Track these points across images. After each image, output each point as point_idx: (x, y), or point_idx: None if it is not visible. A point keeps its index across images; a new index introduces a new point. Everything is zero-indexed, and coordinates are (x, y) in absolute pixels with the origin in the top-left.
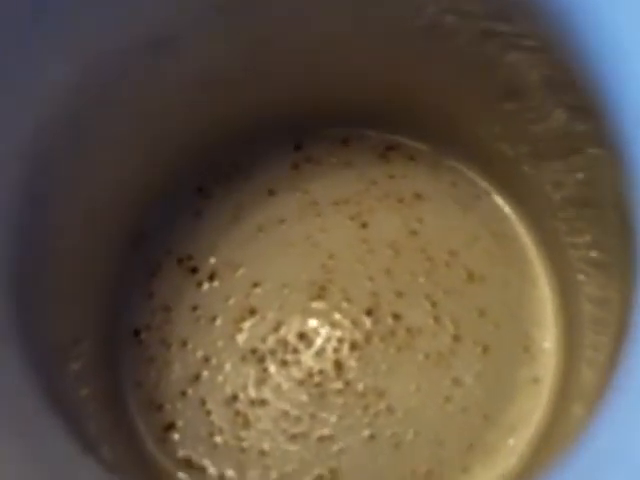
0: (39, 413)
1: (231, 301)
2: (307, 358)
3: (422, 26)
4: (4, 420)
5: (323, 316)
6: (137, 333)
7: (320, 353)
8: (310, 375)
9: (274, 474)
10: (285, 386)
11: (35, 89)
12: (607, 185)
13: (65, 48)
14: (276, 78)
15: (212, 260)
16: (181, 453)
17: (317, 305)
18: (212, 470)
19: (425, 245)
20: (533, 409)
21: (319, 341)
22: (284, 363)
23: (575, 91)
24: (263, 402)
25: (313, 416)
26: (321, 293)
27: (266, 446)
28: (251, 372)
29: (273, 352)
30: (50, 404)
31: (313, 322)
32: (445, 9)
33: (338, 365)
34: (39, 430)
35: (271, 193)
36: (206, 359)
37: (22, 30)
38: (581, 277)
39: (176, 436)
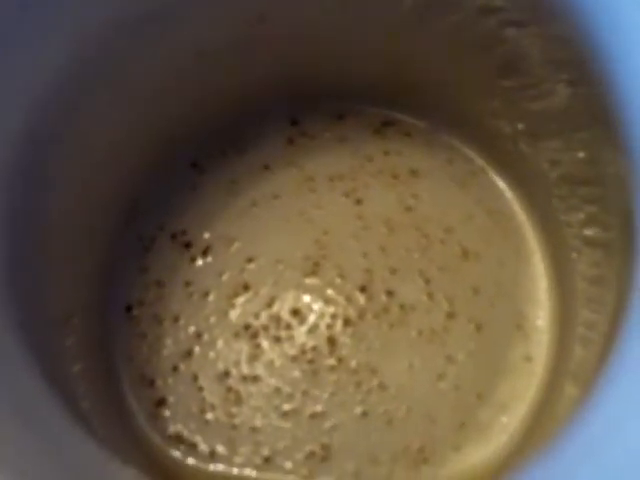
0: (35, 389)
1: (225, 276)
2: (300, 334)
3: (418, 2)
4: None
5: (317, 292)
6: (129, 309)
7: (313, 329)
8: (303, 351)
9: (265, 450)
10: (278, 362)
11: (27, 69)
12: (607, 164)
13: (54, 25)
14: (272, 52)
15: (206, 235)
16: (172, 429)
17: (311, 281)
18: (203, 446)
19: (420, 222)
20: (526, 387)
21: (312, 317)
22: (277, 339)
23: (577, 67)
24: (255, 378)
25: (305, 393)
26: (315, 269)
27: (258, 422)
28: (244, 348)
29: (266, 328)
30: (45, 379)
31: (307, 298)
32: None
33: (331, 341)
34: (36, 406)
35: (266, 168)
36: (198, 335)
37: (8, 14)
38: (576, 255)
39: (167, 412)
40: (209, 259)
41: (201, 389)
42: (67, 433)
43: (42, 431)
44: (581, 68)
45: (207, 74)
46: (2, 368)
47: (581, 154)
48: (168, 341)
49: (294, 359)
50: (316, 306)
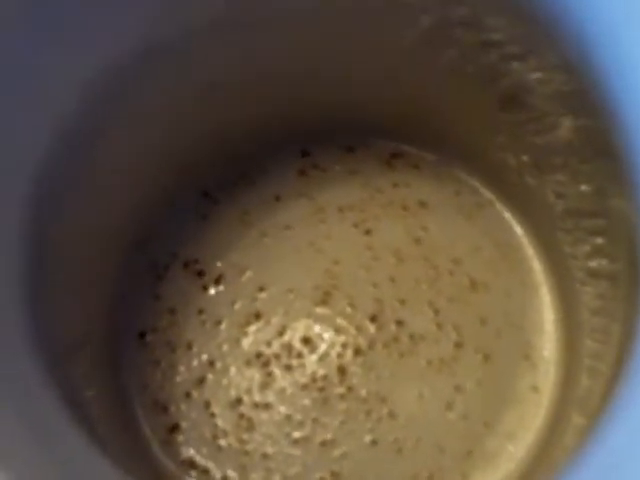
0: (50, 411)
1: (237, 305)
2: (311, 363)
3: (418, 37)
4: (17, 418)
5: (327, 321)
6: (143, 335)
7: (324, 358)
8: (314, 380)
9: (277, 477)
10: (289, 390)
11: (44, 102)
12: (611, 196)
13: (69, 58)
14: (284, 86)
15: (218, 264)
16: (185, 454)
17: (321, 310)
18: (215, 472)
19: (429, 253)
20: (533, 417)
21: (323, 346)
22: (288, 367)
23: (580, 100)
24: (267, 406)
25: (316, 420)
26: (325, 298)
27: (269, 449)
28: (255, 376)
29: (277, 356)
30: (59, 403)
31: (317, 327)
32: (440, 20)
33: (341, 370)
34: (51, 429)
35: (277, 199)
36: (211, 362)
37: (21, 50)
38: (581, 287)
39: (180, 437)
40: (221, 288)
41: (213, 415)
42: (82, 453)
43: (58, 451)
44: (583, 100)
45: (220, 106)
46: (18, 388)
47: (585, 187)
48: (181, 368)
49: (305, 387)
50: (327, 335)
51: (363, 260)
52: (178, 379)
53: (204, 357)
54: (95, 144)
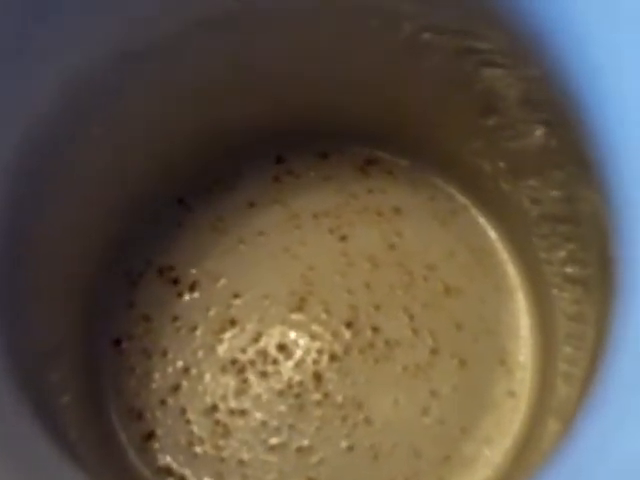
0: (21, 419)
1: (211, 312)
2: (287, 369)
3: (401, 42)
4: None
5: (303, 328)
6: (118, 342)
7: (299, 364)
8: (290, 386)
9: None
10: (265, 397)
11: (21, 100)
12: (582, 202)
13: (52, 56)
14: (259, 92)
15: (193, 271)
16: (161, 462)
17: (297, 317)
18: (192, 479)
19: (403, 259)
20: (509, 422)
21: (299, 352)
22: (264, 374)
23: (553, 108)
24: (243, 412)
25: (292, 427)
26: (301, 305)
27: (245, 456)
28: (231, 382)
29: (253, 363)
30: (31, 410)
31: (293, 333)
32: (422, 26)
33: (317, 376)
34: (21, 437)
35: (251, 205)
36: (186, 369)
37: (6, 44)
38: (556, 292)
39: (156, 445)
40: (196, 294)
41: (189, 422)
42: (54, 463)
43: (28, 462)
44: (556, 109)
45: (190, 112)
46: None
47: (558, 193)
48: (157, 375)
49: (281, 393)
50: (302, 341)
51: (338, 266)
52: (153, 386)
53: (179, 364)
54: (72, 148)
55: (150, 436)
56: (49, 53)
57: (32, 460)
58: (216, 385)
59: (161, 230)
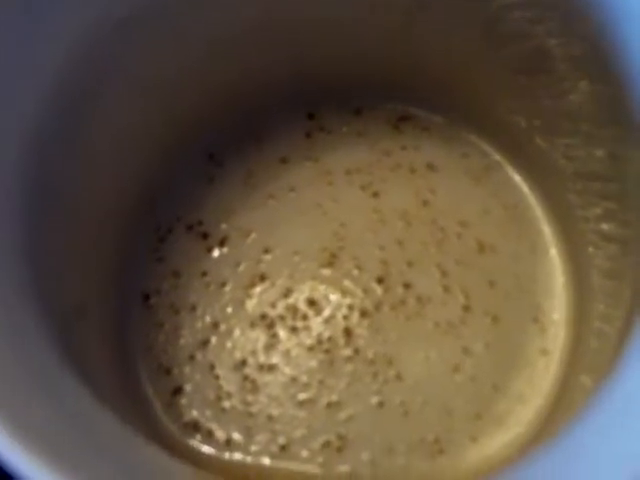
0: (54, 368)
1: (241, 267)
2: (317, 325)
3: None
4: (22, 368)
5: (333, 283)
6: (147, 298)
7: (330, 320)
8: (319, 342)
9: (282, 439)
10: (294, 352)
11: (39, 56)
12: (628, 162)
13: (62, 17)
14: (290, 45)
15: (223, 226)
16: (188, 417)
17: (327, 272)
18: (219, 434)
19: (436, 216)
20: (542, 379)
21: (329, 308)
22: (293, 329)
23: (597, 65)
24: (272, 368)
25: (322, 382)
26: (332, 260)
27: (274, 411)
28: (260, 338)
29: (282, 318)
30: (63, 362)
31: (323, 289)
32: None
33: (348, 332)
34: (56, 382)
35: (283, 161)
36: (215, 324)
37: (11, 13)
38: (592, 249)
39: (184, 400)
40: (225, 250)
41: (217, 378)
42: (88, 407)
43: (64, 403)
44: (602, 66)
45: (220, 64)
46: (21, 346)
47: (600, 151)
48: (185, 331)
49: (310, 349)
50: (333, 297)
51: (370, 223)
52: (182, 342)
53: (208, 319)
54: (95, 107)
55: (178, 391)
56: (57, 14)
57: (69, 404)
58: (245, 340)
59: (191, 185)
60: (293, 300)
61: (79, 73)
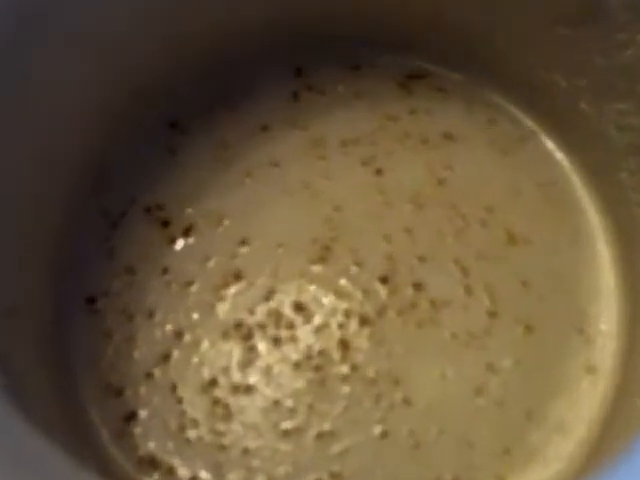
0: None
1: (211, 262)
2: (305, 335)
3: None
4: None
5: (326, 283)
6: (92, 301)
7: (322, 329)
8: (309, 356)
9: (261, 478)
10: (277, 369)
11: None
12: None
13: None
14: None
15: (188, 211)
16: (144, 450)
17: (319, 269)
18: (183, 471)
19: (455, 198)
20: (586, 404)
21: (321, 314)
22: (276, 341)
23: None
24: (249, 389)
25: (311, 407)
26: (324, 254)
27: (252, 443)
28: (235, 351)
29: (263, 327)
30: None
31: (313, 290)
32: None
33: (344, 344)
34: None
35: (263, 129)
36: (178, 334)
37: None
38: None
39: (139, 429)
40: (192, 240)
41: (181, 401)
42: (20, 434)
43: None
44: None
45: (191, 13)
46: None
47: None
48: (140, 342)
49: (297, 366)
50: (325, 300)
51: (372, 206)
52: (136, 355)
53: (169, 328)
54: (34, 67)
55: (131, 418)
56: None
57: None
58: (216, 354)
59: (148, 160)
60: (276, 304)
61: (7, 25)
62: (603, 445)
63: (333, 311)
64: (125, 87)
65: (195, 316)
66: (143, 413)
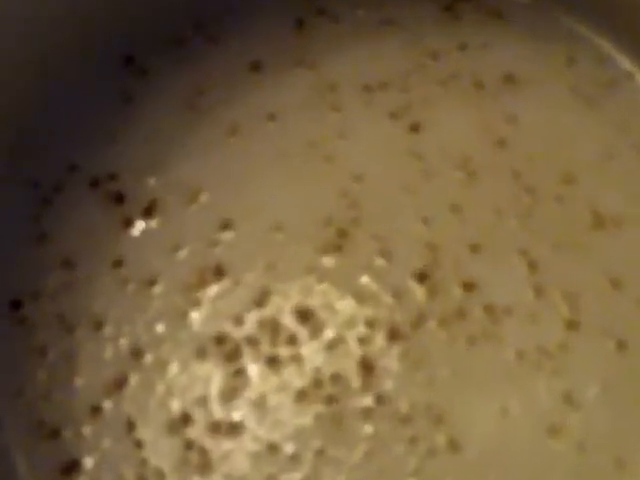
0: None
1: (182, 253)
2: (313, 354)
3: None
4: None
5: (342, 282)
6: (17, 305)
7: (335, 345)
8: (317, 383)
9: None
10: (273, 401)
11: None
12: None
13: None
14: None
15: (150, 182)
16: None
17: (332, 262)
18: None
19: (520, 165)
20: None
21: (333, 325)
22: (273, 361)
23: None
24: (235, 428)
25: (321, 454)
26: (339, 242)
27: None
28: (215, 376)
29: (254, 342)
30: None
31: (325, 291)
32: None
33: (367, 367)
34: None
35: (255, 68)
36: (137, 353)
37: None
38: None
39: None
40: (155, 223)
41: (140, 445)
42: None
43: None
44: None
45: None
46: None
47: None
48: (84, 363)
49: (302, 396)
50: (341, 305)
51: (406, 175)
52: (79, 382)
53: (124, 343)
54: None
55: (71, 468)
56: None
57: None
58: (189, 381)
59: (96, 111)
60: (272, 311)
61: None
62: None
63: (351, 320)
64: (73, 18)
65: (159, 328)
66: (88, 462)
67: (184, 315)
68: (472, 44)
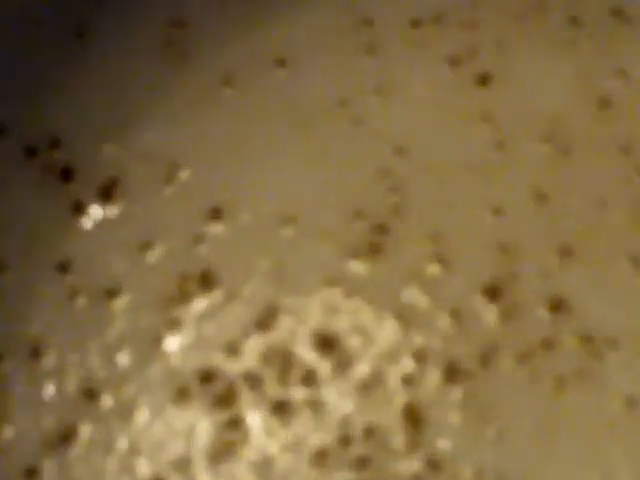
0: None
1: (153, 253)
2: (338, 398)
3: None
4: None
5: (380, 297)
6: None
7: (370, 386)
8: (344, 440)
9: None
10: (282, 463)
11: None
12: None
13: None
14: None
15: (109, 151)
16: None
17: (365, 270)
18: None
19: (629, 136)
20: None
21: (369, 357)
22: (281, 408)
23: None
24: None
25: None
26: (377, 240)
27: None
28: (199, 427)
29: (254, 380)
30: None
31: (354, 310)
32: None
33: (414, 418)
34: None
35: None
36: (89, 393)
37: None
38: None
39: None
40: (116, 210)
41: None
42: None
43: None
44: None
45: None
46: None
47: None
48: (19, 405)
49: (321, 458)
50: (377, 330)
51: (471, 147)
52: (8, 434)
53: (72, 382)
54: None
55: None
56: None
57: None
58: (163, 434)
59: (35, 48)
60: (280, 336)
61: None
62: None
63: (393, 352)
64: None
65: (122, 359)
66: None
67: (157, 341)
68: None
